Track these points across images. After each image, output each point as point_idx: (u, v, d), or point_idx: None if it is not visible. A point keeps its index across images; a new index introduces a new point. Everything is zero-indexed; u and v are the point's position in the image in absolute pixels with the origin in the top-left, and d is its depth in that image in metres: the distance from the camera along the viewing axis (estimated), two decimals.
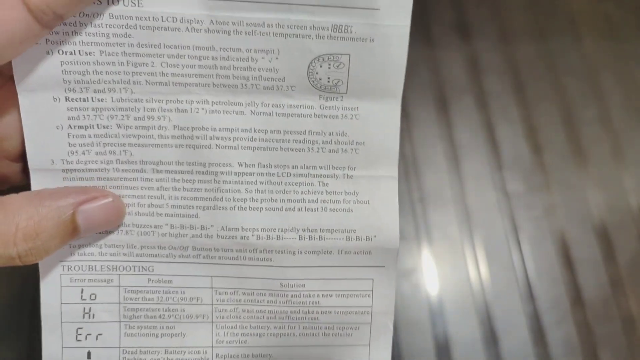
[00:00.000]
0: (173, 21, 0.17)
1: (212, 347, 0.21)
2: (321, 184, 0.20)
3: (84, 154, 0.19)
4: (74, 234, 0.18)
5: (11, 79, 0.17)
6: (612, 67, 0.41)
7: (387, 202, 0.20)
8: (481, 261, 0.34)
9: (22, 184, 0.20)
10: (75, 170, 0.19)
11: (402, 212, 0.35)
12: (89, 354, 0.20)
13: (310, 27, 0.18)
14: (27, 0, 0.15)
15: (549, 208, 0.36)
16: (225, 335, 0.21)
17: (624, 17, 0.42)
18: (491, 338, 0.32)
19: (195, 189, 0.19)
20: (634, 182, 0.37)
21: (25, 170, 0.19)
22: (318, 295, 0.21)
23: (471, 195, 0.36)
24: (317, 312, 0.21)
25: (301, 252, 0.20)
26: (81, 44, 0.17)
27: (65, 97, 0.18)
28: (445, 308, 0.33)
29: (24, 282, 0.29)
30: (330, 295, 0.21)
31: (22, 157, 0.19)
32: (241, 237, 0.20)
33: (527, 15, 0.41)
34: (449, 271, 0.34)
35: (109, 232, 0.20)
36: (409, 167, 0.36)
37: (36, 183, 0.19)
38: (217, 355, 0.21)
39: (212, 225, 0.20)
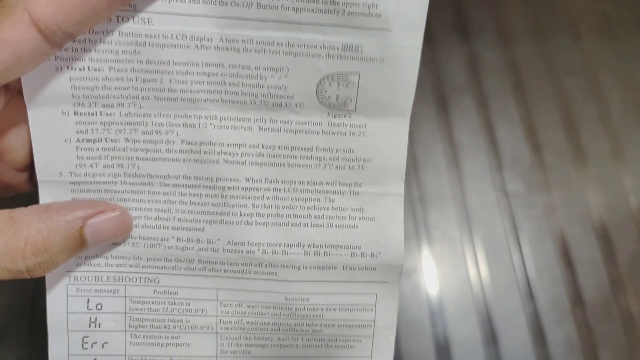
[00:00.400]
0: (183, 39, 0.17)
1: (217, 356, 0.21)
2: (327, 200, 0.20)
3: (91, 166, 0.19)
4: (81, 247, 0.18)
5: (19, 92, 0.18)
6: (612, 66, 0.41)
7: (393, 219, 0.20)
8: (481, 261, 0.34)
9: (27, 192, 0.20)
10: (83, 182, 0.19)
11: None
12: None
13: (321, 47, 0.18)
14: (36, 20, 0.15)
15: (549, 208, 0.36)
16: (230, 346, 0.21)
17: (623, 16, 0.42)
18: (491, 338, 0.32)
19: (202, 203, 0.19)
20: (634, 181, 0.37)
21: (31, 179, 0.19)
22: (322, 309, 0.21)
23: (471, 195, 0.36)
24: (321, 325, 0.21)
25: (306, 267, 0.20)
26: (90, 60, 0.17)
27: (74, 112, 0.18)
28: (445, 308, 0.33)
29: (24, 284, 0.29)
30: (334, 309, 0.21)
31: (28, 167, 0.19)
32: (247, 252, 0.20)
33: (527, 15, 0.41)
34: (449, 271, 0.34)
35: (115, 244, 0.20)
36: (409, 167, 0.36)
37: (44, 195, 0.19)
38: None
39: (218, 239, 0.20)
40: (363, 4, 0.17)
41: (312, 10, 0.17)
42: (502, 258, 0.34)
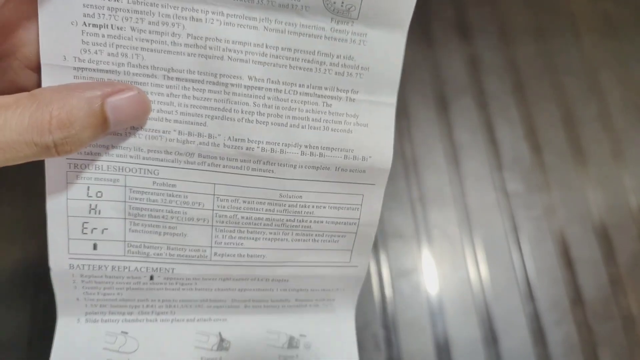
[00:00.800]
0: None
1: (211, 246, 0.22)
2: (325, 104, 0.21)
3: (96, 53, 0.19)
4: (104, 126, 0.18)
5: None
6: (612, 66, 0.41)
7: (384, 127, 0.21)
8: (481, 261, 0.34)
9: None
10: (86, 69, 0.19)
11: (402, 211, 0.35)
12: (94, 245, 0.21)
13: None
14: None
15: (548, 208, 0.36)
16: (224, 238, 0.22)
17: (623, 16, 0.42)
18: (491, 338, 0.32)
19: (205, 98, 0.20)
20: (634, 181, 0.37)
21: (37, 79, 0.19)
22: (313, 206, 0.22)
23: (471, 195, 0.36)
24: (310, 221, 0.22)
25: (301, 167, 0.21)
26: None
27: None
28: (445, 308, 0.33)
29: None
30: (324, 207, 0.22)
31: (36, 65, 0.19)
32: (246, 148, 0.20)
33: (527, 15, 0.41)
34: (449, 271, 0.34)
35: (117, 134, 0.20)
36: (409, 167, 0.36)
37: (47, 80, 0.19)
38: (215, 254, 0.22)
39: (219, 135, 0.20)
40: None
41: None
42: (502, 258, 0.34)
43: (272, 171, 0.21)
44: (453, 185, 0.36)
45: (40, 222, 0.22)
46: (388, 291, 0.33)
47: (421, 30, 0.39)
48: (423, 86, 0.38)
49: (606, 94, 0.40)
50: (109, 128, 0.18)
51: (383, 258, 0.33)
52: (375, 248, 0.33)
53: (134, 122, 0.20)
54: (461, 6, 0.41)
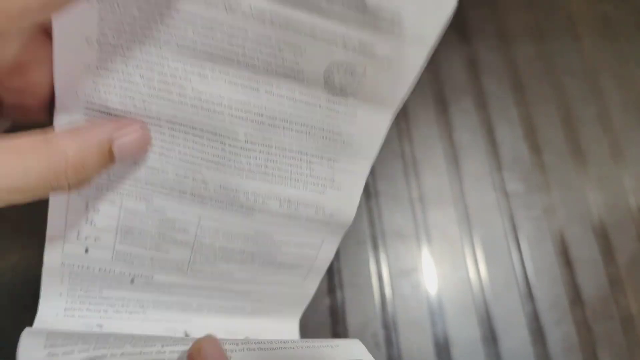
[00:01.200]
0: None
1: (189, 263, 0.25)
2: (308, 167, 0.23)
3: (106, 94, 0.20)
4: (110, 163, 0.20)
5: (43, 29, 0.19)
6: (611, 67, 0.41)
7: (355, 191, 0.24)
8: (481, 261, 0.34)
9: (43, 123, 0.21)
10: (96, 110, 0.20)
11: (402, 211, 0.35)
12: (86, 249, 0.23)
13: (340, 37, 0.19)
14: None
15: (548, 208, 0.36)
16: (200, 259, 0.25)
17: (622, 17, 0.42)
18: (491, 338, 0.33)
19: (204, 151, 0.21)
20: (634, 182, 0.37)
21: (47, 109, 0.21)
22: (281, 244, 0.25)
23: (471, 195, 0.36)
24: (277, 254, 0.26)
25: (278, 215, 0.24)
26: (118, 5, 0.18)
27: (97, 41, 0.19)
28: (445, 308, 0.33)
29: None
30: (289, 245, 0.25)
31: (48, 99, 0.20)
32: (233, 196, 0.23)
33: (526, 16, 0.41)
34: (448, 271, 0.34)
35: (120, 165, 0.21)
36: (409, 167, 0.36)
37: (59, 117, 0.20)
38: (191, 269, 0.25)
39: (211, 181, 0.22)
40: (388, 11, 0.19)
41: (343, 4, 0.19)
42: (501, 258, 0.34)
43: (252, 215, 0.24)
44: (453, 185, 0.36)
45: (41, 225, 0.22)
46: (388, 291, 0.33)
47: None
48: (423, 86, 0.38)
49: (606, 95, 0.40)
50: (114, 164, 0.20)
51: (383, 258, 0.33)
52: (375, 248, 0.34)
53: (136, 156, 0.21)
54: (460, 7, 0.41)
